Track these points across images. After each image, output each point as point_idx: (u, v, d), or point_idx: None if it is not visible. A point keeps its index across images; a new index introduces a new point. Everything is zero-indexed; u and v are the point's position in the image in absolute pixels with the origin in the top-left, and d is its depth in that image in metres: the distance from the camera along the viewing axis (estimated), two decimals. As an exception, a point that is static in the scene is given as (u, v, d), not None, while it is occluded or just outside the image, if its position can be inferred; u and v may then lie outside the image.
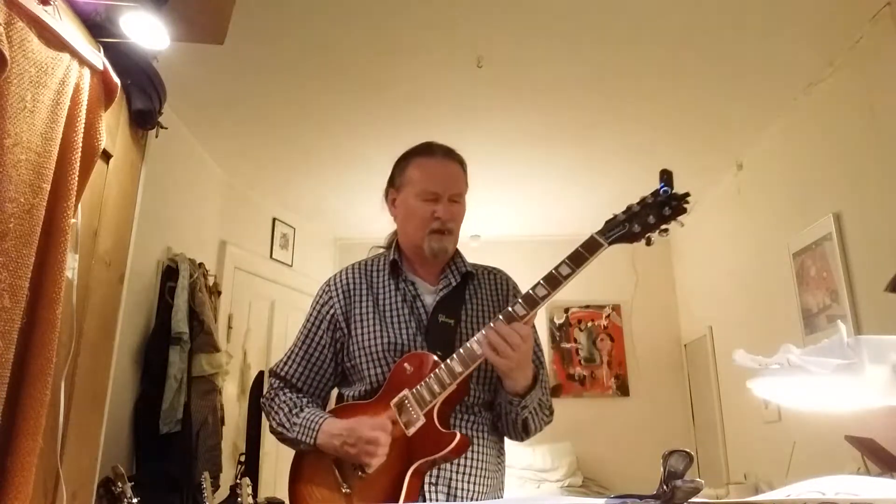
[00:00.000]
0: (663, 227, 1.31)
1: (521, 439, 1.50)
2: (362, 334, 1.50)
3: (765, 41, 2.64)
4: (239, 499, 2.65)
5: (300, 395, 1.54)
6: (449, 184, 1.50)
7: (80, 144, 1.59)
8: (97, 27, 1.74)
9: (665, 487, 0.62)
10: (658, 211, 1.31)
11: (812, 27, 2.54)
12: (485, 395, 1.48)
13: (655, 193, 1.33)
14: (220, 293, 3.56)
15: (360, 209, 4.52)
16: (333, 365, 1.55)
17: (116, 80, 1.78)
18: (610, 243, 1.29)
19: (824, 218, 2.83)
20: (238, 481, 2.79)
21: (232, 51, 2.43)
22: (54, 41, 1.50)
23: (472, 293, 1.57)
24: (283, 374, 1.57)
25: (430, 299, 1.53)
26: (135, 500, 2.14)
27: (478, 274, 1.60)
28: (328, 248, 5.08)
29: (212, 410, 3.09)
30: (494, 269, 1.66)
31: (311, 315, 1.58)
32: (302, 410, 1.48)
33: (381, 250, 1.68)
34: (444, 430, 1.35)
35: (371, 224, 4.77)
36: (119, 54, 1.84)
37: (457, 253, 1.60)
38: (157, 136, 2.25)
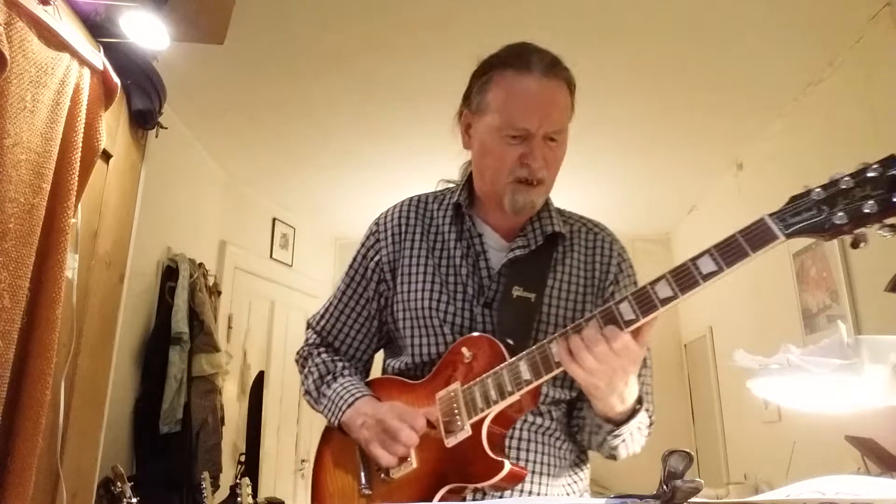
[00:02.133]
0: (890, 220, 0.82)
1: (608, 458, 1.15)
2: (408, 291, 1.18)
3: (765, 41, 2.64)
4: (239, 499, 2.66)
5: (337, 359, 1.26)
6: (547, 116, 1.08)
7: (80, 144, 1.59)
8: (97, 27, 1.74)
9: (665, 487, 0.62)
10: (886, 194, 0.81)
11: (812, 27, 2.54)
12: (556, 392, 1.14)
13: (888, 162, 0.83)
14: (220, 293, 3.56)
15: (360, 209, 4.52)
16: (376, 324, 1.25)
17: (116, 80, 1.78)
18: (790, 236, 0.86)
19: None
20: (238, 481, 2.80)
21: (232, 51, 2.43)
22: (54, 41, 1.50)
23: (561, 258, 1.19)
24: (318, 327, 1.30)
25: (498, 259, 1.18)
26: (135, 500, 2.14)
27: (572, 231, 1.22)
28: (328, 248, 5.08)
29: (212, 410, 3.09)
30: (595, 224, 1.25)
31: (353, 261, 1.28)
32: (335, 380, 1.21)
33: (451, 185, 1.32)
34: (490, 455, 1.00)
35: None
36: (119, 54, 1.84)
37: (547, 205, 1.22)
38: (157, 136, 2.25)
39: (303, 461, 4.37)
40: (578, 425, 1.15)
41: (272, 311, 4.33)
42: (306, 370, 1.27)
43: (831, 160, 2.82)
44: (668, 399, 4.75)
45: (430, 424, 1.06)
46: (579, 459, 1.19)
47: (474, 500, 1.07)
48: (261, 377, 4.02)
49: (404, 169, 3.85)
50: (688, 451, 0.64)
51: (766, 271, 3.38)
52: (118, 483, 2.17)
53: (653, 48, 2.71)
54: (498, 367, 1.02)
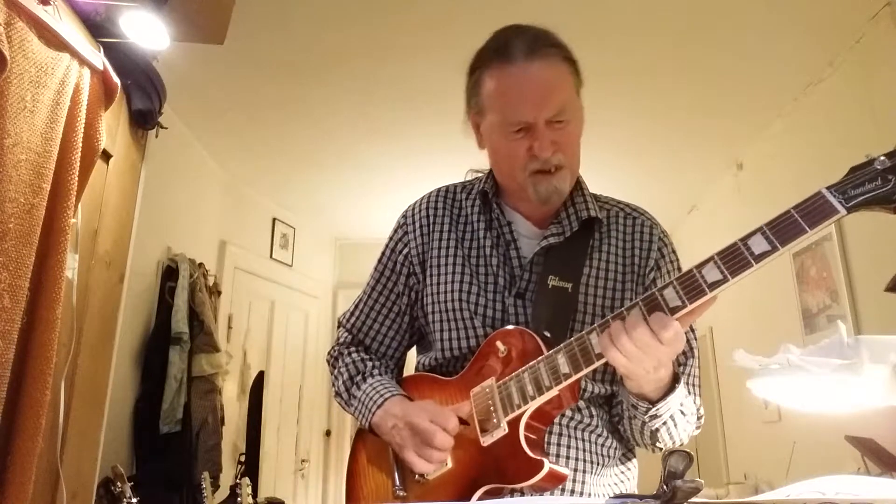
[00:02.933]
0: None
1: (654, 450, 1.08)
2: (437, 283, 1.13)
3: (765, 41, 2.64)
4: (239, 499, 2.66)
5: (368, 358, 1.22)
6: (542, 102, 1.02)
7: (80, 144, 1.59)
8: (97, 27, 1.74)
9: (665, 487, 0.62)
10: None
11: (812, 27, 2.54)
12: (597, 387, 1.08)
13: None
14: (220, 293, 3.56)
15: (360, 209, 4.52)
16: (408, 320, 1.21)
17: (116, 80, 1.78)
18: (851, 209, 0.80)
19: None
20: (238, 481, 2.80)
21: (232, 51, 2.43)
22: (54, 41, 1.50)
23: (598, 244, 1.13)
24: (349, 325, 1.26)
25: (530, 247, 1.12)
26: (135, 500, 2.14)
27: (609, 216, 1.16)
28: (328, 248, 5.08)
29: (212, 410, 3.09)
30: (635, 208, 1.19)
31: (383, 255, 1.24)
32: (365, 380, 1.16)
33: (479, 174, 1.26)
34: (529, 454, 0.94)
35: (371, 224, 4.79)
36: (119, 54, 1.84)
37: (578, 185, 1.15)
38: (157, 136, 2.25)
39: (303, 461, 4.38)
40: (619, 414, 1.08)
41: (272, 311, 4.33)
42: (336, 371, 1.23)
43: (831, 160, 2.81)
44: (668, 399, 4.75)
45: (463, 421, 1.00)
46: (625, 457, 1.13)
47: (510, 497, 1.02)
48: (261, 377, 4.02)
49: (404, 169, 3.85)
50: (688, 451, 0.64)
51: (766, 271, 3.35)
52: (118, 483, 2.17)
53: (653, 48, 2.71)
54: (535, 361, 0.96)
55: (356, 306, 1.26)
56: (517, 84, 1.03)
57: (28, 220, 1.38)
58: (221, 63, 2.78)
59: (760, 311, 3.51)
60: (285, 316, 4.39)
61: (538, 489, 0.96)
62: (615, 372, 1.03)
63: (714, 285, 0.84)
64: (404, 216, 1.24)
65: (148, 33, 1.77)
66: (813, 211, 0.82)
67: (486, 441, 0.98)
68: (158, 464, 2.79)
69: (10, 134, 1.33)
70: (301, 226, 4.70)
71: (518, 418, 0.97)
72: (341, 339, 1.27)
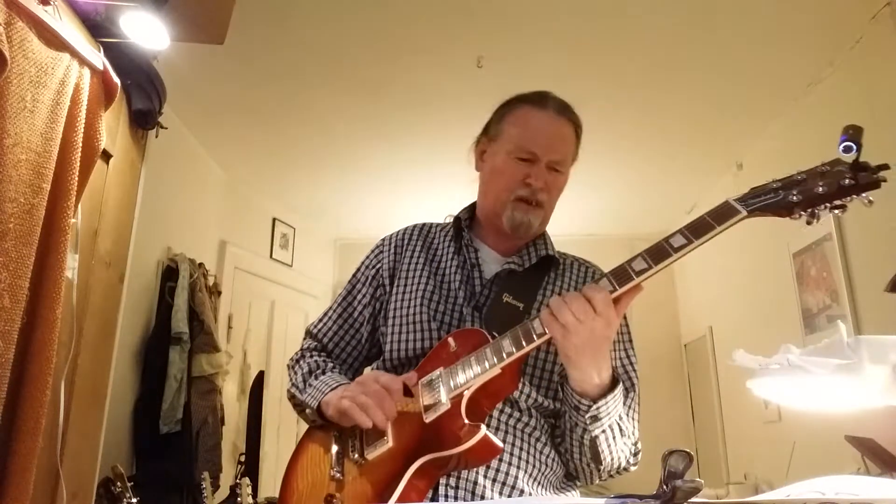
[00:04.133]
0: (838, 201, 0.98)
1: (592, 476, 1.14)
2: (402, 292, 1.25)
3: (765, 41, 2.64)
4: (239, 499, 2.66)
5: (328, 360, 1.31)
6: (552, 145, 1.21)
7: (80, 144, 1.59)
8: (97, 27, 1.74)
9: (665, 487, 0.62)
10: (835, 180, 0.98)
11: (812, 27, 2.54)
12: (539, 396, 1.14)
13: (835, 162, 1.01)
14: (220, 293, 3.56)
15: (360, 209, 4.52)
16: (369, 329, 1.31)
17: (116, 80, 1.78)
18: (751, 212, 0.99)
19: (824, 218, 2.82)
20: (238, 481, 2.80)
21: (232, 51, 2.43)
22: (54, 41, 1.50)
23: (552, 280, 1.26)
24: (315, 331, 1.35)
25: (492, 271, 1.25)
26: (134, 500, 2.14)
27: (564, 262, 1.31)
28: (328, 248, 5.08)
29: (212, 410, 3.09)
30: (587, 261, 1.34)
31: (357, 272, 1.37)
32: (324, 373, 1.23)
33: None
34: (466, 420, 1.01)
35: (371, 224, 4.79)
36: (119, 54, 1.84)
37: (543, 236, 1.31)
38: (157, 136, 2.25)
39: (303, 461, 4.37)
40: (560, 434, 1.14)
41: (272, 311, 4.33)
42: (295, 369, 1.31)
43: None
44: (668, 399, 4.75)
45: (407, 392, 1.07)
46: (566, 479, 1.18)
47: (466, 498, 1.06)
48: (261, 377, 4.02)
49: (404, 169, 3.86)
50: (688, 451, 0.64)
51: (766, 271, 3.38)
52: (118, 483, 2.17)
53: (652, 49, 2.71)
54: (481, 347, 1.05)
55: (325, 314, 1.37)
56: (541, 125, 1.23)
57: (28, 220, 1.38)
58: (221, 63, 2.78)
59: (760, 311, 3.51)
60: (285, 316, 4.39)
61: (472, 459, 1.02)
62: (553, 385, 1.14)
63: (640, 273, 0.98)
64: (381, 241, 1.38)
65: (148, 33, 1.77)
66: (720, 214, 1.00)
67: (430, 417, 1.03)
68: (158, 464, 2.79)
69: (10, 134, 1.33)
70: (301, 226, 4.70)
71: (461, 395, 1.03)
72: (305, 346, 1.36)
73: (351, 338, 1.33)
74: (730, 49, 2.69)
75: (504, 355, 1.01)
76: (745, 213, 0.99)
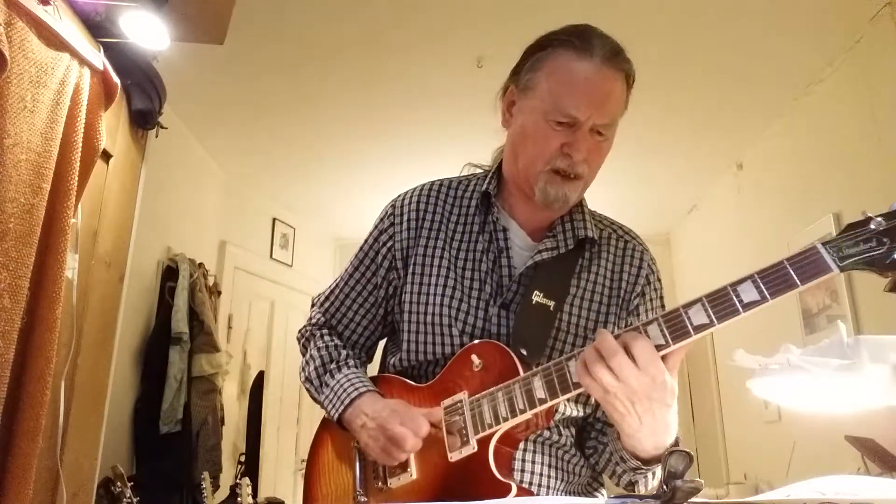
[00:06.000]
0: None
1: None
2: (419, 284, 1.09)
3: (765, 41, 2.64)
4: (239, 499, 2.66)
5: (342, 345, 1.19)
6: (600, 107, 0.99)
7: (80, 144, 1.59)
8: (97, 27, 1.74)
9: (665, 487, 0.62)
10: None
11: (812, 27, 2.54)
12: (568, 409, 1.05)
13: None
14: (220, 293, 3.56)
15: (360, 209, 4.52)
16: (382, 312, 1.17)
17: (116, 80, 1.78)
18: (844, 269, 0.80)
19: (824, 218, 2.82)
20: (238, 481, 2.80)
21: (232, 51, 2.43)
22: (54, 41, 1.50)
23: (587, 264, 1.10)
24: (323, 308, 1.23)
25: (521, 258, 1.08)
26: (135, 500, 2.14)
27: (602, 236, 1.13)
28: (328, 248, 5.08)
29: (212, 410, 3.09)
30: (627, 231, 1.16)
31: (365, 242, 1.20)
32: (339, 370, 1.13)
33: (478, 170, 1.22)
34: (497, 477, 0.92)
35: (371, 224, 4.78)
36: (119, 54, 1.84)
37: (581, 205, 1.13)
38: (157, 136, 2.25)
39: (303, 461, 4.36)
40: (595, 448, 1.07)
41: (272, 311, 4.33)
42: (308, 354, 1.20)
43: (831, 160, 2.82)
44: (668, 399, 4.75)
45: (432, 425, 0.99)
46: (592, 479, 1.12)
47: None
48: (261, 377, 4.02)
49: (404, 169, 3.85)
50: (688, 451, 0.64)
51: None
52: (118, 483, 2.17)
53: (652, 49, 2.71)
54: (510, 382, 0.94)
55: (332, 290, 1.23)
56: (585, 79, 0.99)
57: (28, 220, 1.38)
58: (221, 63, 2.77)
59: (760, 311, 3.51)
60: (285, 316, 4.39)
61: None
62: (589, 397, 1.03)
63: (699, 328, 0.82)
64: (393, 205, 1.19)
65: (148, 33, 1.77)
66: (806, 266, 0.81)
67: (454, 457, 0.95)
68: (158, 464, 2.79)
69: (10, 134, 1.33)
70: (301, 226, 4.70)
71: (489, 438, 0.94)
72: (314, 320, 1.24)
73: (361, 318, 1.18)
74: (730, 49, 2.69)
75: (536, 401, 0.90)
76: (836, 271, 0.79)
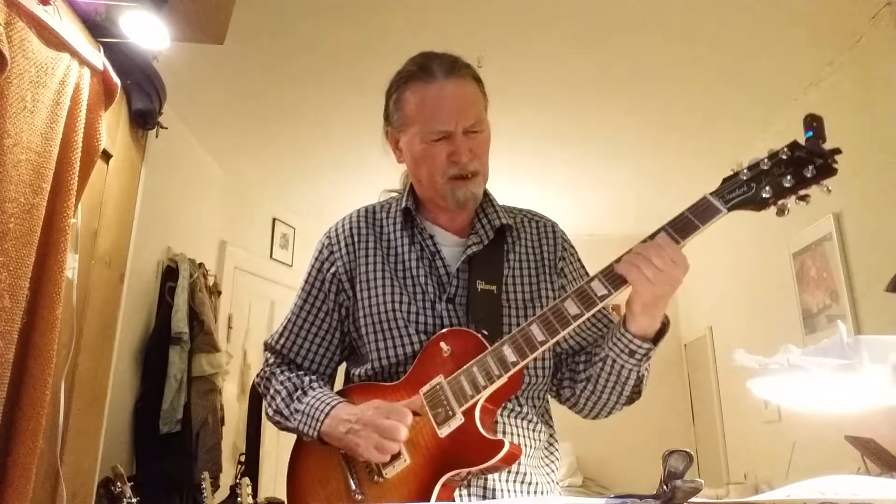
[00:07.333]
0: (803, 192, 1.00)
1: (613, 409, 1.20)
2: (368, 297, 1.19)
3: (765, 41, 2.64)
4: (239, 499, 2.65)
5: (301, 373, 1.24)
6: (460, 113, 1.15)
7: (80, 144, 1.59)
8: (97, 27, 1.74)
9: (665, 487, 0.62)
10: (797, 169, 1.00)
11: (812, 27, 2.54)
12: (543, 380, 1.20)
13: (793, 146, 1.03)
14: (220, 293, 3.56)
15: (360, 209, 4.52)
16: (339, 335, 1.25)
17: (116, 80, 1.78)
18: (730, 209, 1.03)
19: (824, 218, 2.82)
20: (238, 481, 2.80)
21: (232, 51, 2.43)
22: (54, 41, 1.50)
23: (511, 247, 1.25)
24: (278, 347, 1.28)
25: (453, 256, 1.21)
26: (134, 500, 2.14)
27: (517, 222, 1.29)
28: (328, 248, 5.08)
29: (212, 410, 3.09)
30: (535, 214, 1.33)
31: (308, 275, 1.28)
32: (305, 394, 1.18)
33: (394, 194, 1.37)
34: (488, 437, 1.04)
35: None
36: (119, 54, 1.84)
37: (487, 197, 1.27)
38: (157, 136, 2.26)
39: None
40: (588, 374, 1.18)
41: (272, 311, 4.32)
42: (271, 392, 1.24)
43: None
44: (668, 399, 4.75)
45: (415, 414, 1.06)
46: (550, 440, 1.26)
47: (469, 495, 1.08)
48: (261, 377, 4.02)
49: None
50: (688, 451, 0.64)
51: (765, 271, 3.38)
52: (118, 483, 2.16)
53: (652, 49, 2.71)
54: (481, 355, 1.05)
55: (284, 327, 1.29)
56: (438, 98, 1.16)
57: (28, 220, 1.38)
58: (221, 63, 2.78)
59: (760, 311, 3.51)
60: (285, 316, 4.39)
61: (492, 470, 1.05)
62: (553, 363, 1.22)
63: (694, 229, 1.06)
64: (328, 236, 1.30)
65: (148, 33, 1.77)
66: (703, 212, 1.06)
67: (444, 432, 1.04)
68: (158, 464, 2.79)
69: (10, 134, 1.33)
70: (301, 226, 4.70)
71: (472, 407, 1.04)
72: (270, 360, 1.29)
73: (318, 347, 1.26)
74: (730, 49, 2.69)
75: (509, 365, 1.03)
76: (725, 211, 1.04)
